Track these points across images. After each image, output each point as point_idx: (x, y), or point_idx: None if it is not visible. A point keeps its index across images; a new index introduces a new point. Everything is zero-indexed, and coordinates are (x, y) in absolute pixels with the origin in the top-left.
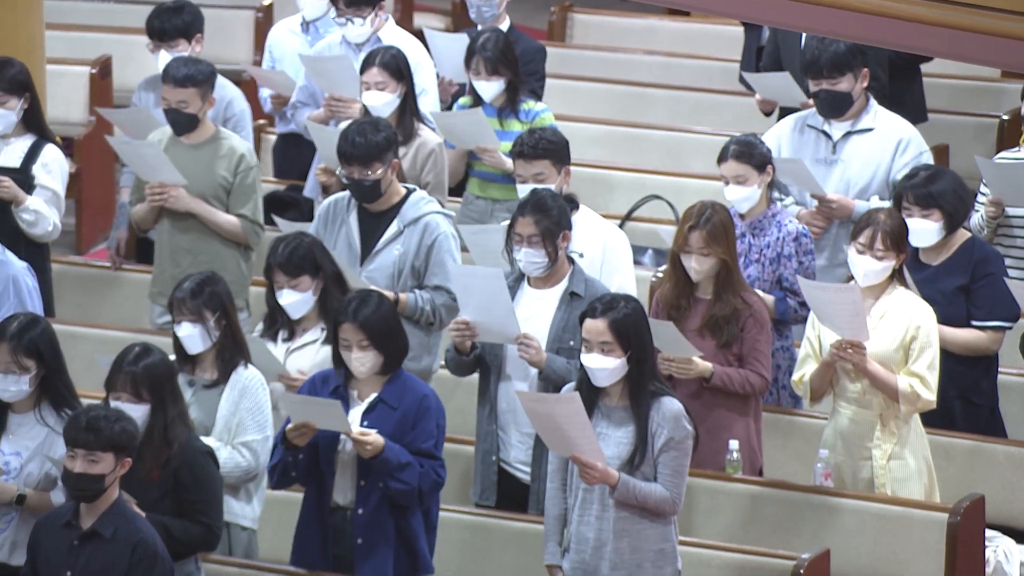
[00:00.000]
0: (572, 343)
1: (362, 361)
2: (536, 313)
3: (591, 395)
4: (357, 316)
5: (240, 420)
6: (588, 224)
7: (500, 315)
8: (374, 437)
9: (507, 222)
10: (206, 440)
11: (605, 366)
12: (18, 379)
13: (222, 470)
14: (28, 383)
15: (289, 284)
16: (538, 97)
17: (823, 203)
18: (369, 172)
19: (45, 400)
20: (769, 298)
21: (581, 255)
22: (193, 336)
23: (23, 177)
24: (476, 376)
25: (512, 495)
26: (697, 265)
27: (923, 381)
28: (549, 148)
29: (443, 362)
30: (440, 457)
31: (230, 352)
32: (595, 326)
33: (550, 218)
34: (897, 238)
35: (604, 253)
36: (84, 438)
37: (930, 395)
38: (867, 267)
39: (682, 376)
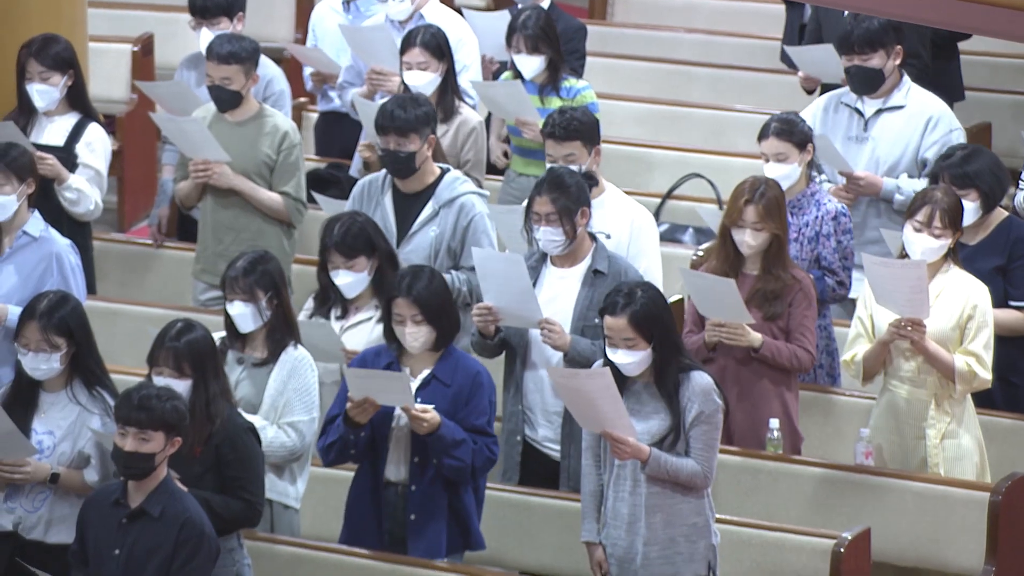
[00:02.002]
0: (597, 321)
1: (415, 336)
2: (560, 292)
3: (620, 376)
4: (411, 291)
5: (287, 400)
6: (616, 205)
7: (521, 300)
8: (432, 414)
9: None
10: (252, 418)
11: (631, 360)
12: (49, 357)
13: (267, 449)
14: (59, 361)
15: (345, 265)
16: (579, 76)
17: (851, 180)
18: (406, 143)
19: (76, 378)
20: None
21: (608, 236)
22: (245, 315)
23: (66, 155)
24: (503, 356)
25: (542, 473)
26: (751, 240)
27: (979, 360)
28: (580, 129)
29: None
30: (492, 434)
31: (280, 332)
32: (616, 324)
33: (567, 196)
34: (954, 216)
35: (631, 235)
36: (136, 416)
37: (986, 374)
38: (924, 245)
39: (732, 343)
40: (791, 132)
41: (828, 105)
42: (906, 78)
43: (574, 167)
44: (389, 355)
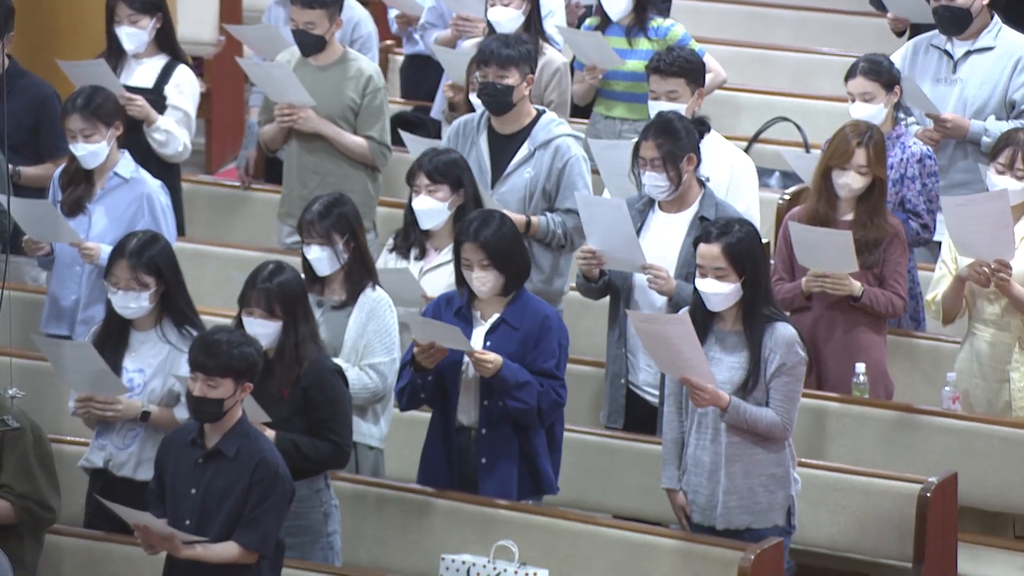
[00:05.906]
0: None
1: (483, 281)
2: (666, 238)
3: (705, 320)
4: (478, 236)
5: (368, 342)
6: (716, 148)
7: (624, 244)
8: (493, 356)
9: (636, 139)
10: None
11: (719, 291)
12: (138, 296)
13: (350, 390)
14: (148, 300)
15: (427, 189)
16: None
17: (938, 122)
18: (505, 75)
19: (166, 317)
20: None
21: (707, 179)
22: (322, 259)
23: (155, 97)
24: (606, 299)
25: (640, 417)
26: (854, 183)
27: None
28: (685, 67)
29: (573, 284)
30: (560, 376)
31: (358, 275)
32: (709, 251)
33: (674, 141)
34: None
35: (731, 178)
36: (203, 362)
37: None
38: (1007, 187)
39: (834, 293)
40: (878, 72)
41: (918, 47)
42: (996, 19)
43: (676, 107)
44: (460, 300)
